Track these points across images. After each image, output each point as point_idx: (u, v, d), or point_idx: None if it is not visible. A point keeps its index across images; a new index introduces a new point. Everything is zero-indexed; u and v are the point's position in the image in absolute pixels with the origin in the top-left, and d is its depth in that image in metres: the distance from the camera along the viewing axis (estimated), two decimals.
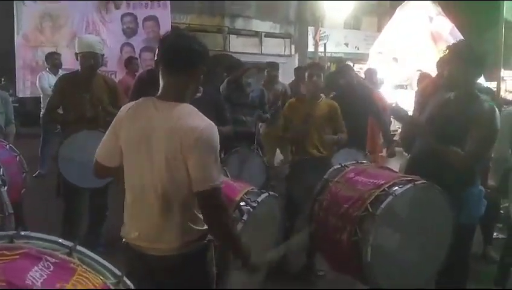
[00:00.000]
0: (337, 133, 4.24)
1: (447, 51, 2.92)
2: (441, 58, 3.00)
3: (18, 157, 3.98)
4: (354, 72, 6.36)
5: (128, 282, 1.43)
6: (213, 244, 2.07)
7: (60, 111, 4.18)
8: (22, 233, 1.33)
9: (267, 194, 2.78)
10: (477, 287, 3.46)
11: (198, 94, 3.88)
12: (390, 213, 2.67)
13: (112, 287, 1.36)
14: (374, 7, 18.12)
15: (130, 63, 7.53)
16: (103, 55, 4.20)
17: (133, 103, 2.08)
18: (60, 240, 1.36)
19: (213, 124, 1.94)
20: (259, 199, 2.65)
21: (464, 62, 2.77)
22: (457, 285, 2.96)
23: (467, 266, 3.02)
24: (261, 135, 6.14)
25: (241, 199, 2.65)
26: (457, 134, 2.76)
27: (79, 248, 1.36)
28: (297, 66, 10.71)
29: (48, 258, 1.27)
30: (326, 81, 4.73)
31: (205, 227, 2.00)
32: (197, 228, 1.99)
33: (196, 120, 1.91)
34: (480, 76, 2.95)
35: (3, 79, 11.56)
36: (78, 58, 4.01)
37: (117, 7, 9.11)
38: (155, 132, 1.91)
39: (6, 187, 2.97)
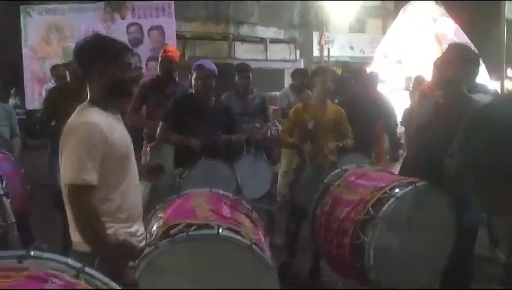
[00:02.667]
0: (343, 138, 4.18)
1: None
2: (436, 60, 2.98)
3: (22, 169, 4.01)
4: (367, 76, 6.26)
5: None
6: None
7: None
8: (32, 253, 1.35)
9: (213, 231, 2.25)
10: (483, 288, 3.43)
11: (212, 103, 3.90)
12: (392, 215, 2.68)
13: None
14: (378, 10, 18.06)
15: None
16: None
17: None
18: (68, 261, 1.37)
19: (91, 122, 2.00)
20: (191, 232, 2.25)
21: (458, 62, 2.77)
22: (461, 287, 2.94)
23: (471, 268, 3.00)
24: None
25: (177, 225, 2.32)
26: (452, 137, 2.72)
27: (87, 269, 1.38)
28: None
29: (54, 280, 1.28)
30: (338, 85, 4.64)
31: None
32: None
33: (76, 118, 2.04)
34: (474, 77, 2.94)
35: (12, 90, 11.71)
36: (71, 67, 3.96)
37: (122, 17, 9.18)
38: None
39: (9, 199, 3.01)
